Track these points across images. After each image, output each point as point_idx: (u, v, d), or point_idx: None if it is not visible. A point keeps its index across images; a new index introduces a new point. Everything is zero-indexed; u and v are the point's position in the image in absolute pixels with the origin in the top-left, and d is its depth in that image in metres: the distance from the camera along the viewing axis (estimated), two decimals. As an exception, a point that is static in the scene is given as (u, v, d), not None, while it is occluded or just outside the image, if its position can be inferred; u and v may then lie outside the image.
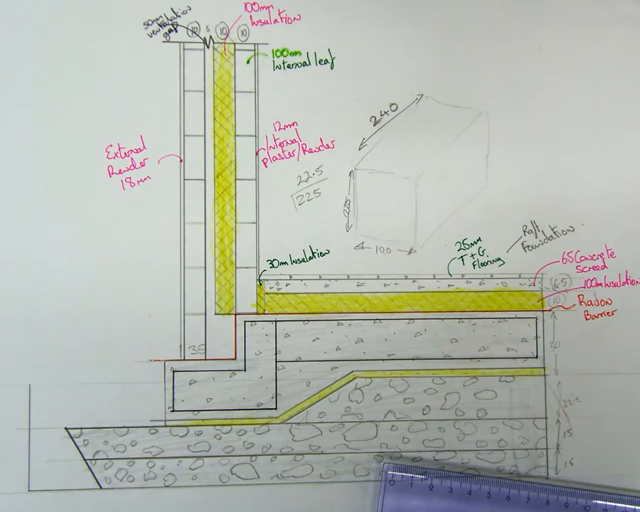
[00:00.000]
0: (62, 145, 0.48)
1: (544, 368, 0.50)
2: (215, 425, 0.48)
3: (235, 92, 0.49)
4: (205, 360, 0.48)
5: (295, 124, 0.49)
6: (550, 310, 0.50)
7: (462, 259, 0.50)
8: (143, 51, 0.48)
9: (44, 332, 0.47)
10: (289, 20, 0.49)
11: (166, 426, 0.48)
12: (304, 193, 0.49)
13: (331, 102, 0.49)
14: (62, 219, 0.47)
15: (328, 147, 0.49)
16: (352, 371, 0.49)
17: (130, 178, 0.48)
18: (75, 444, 0.47)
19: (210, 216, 0.49)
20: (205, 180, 0.49)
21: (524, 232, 0.50)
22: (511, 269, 0.50)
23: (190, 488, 0.48)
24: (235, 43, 0.49)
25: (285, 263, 0.49)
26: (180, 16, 0.49)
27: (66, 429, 0.47)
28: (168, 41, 0.49)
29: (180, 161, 0.48)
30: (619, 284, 0.50)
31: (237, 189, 0.49)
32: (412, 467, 0.48)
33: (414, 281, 0.49)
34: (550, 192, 0.50)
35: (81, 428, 0.47)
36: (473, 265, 0.50)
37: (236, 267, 0.49)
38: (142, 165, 0.48)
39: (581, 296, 0.50)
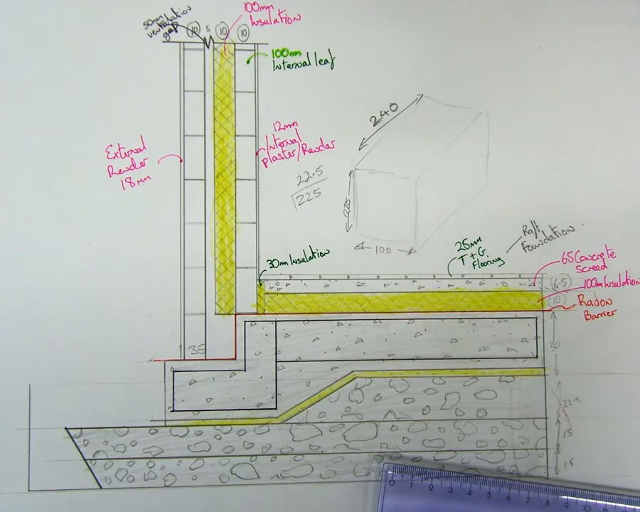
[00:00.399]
0: (62, 145, 0.48)
1: (544, 367, 0.50)
2: (215, 425, 0.48)
3: (235, 92, 0.49)
4: (205, 360, 0.48)
5: (295, 124, 0.49)
6: (550, 310, 0.50)
7: (462, 259, 0.50)
8: (143, 51, 0.48)
9: (44, 332, 0.47)
10: (289, 20, 0.49)
11: (166, 426, 0.48)
12: (304, 193, 0.49)
13: (331, 102, 0.49)
14: (62, 219, 0.47)
15: (328, 147, 0.49)
16: (352, 371, 0.49)
17: (130, 178, 0.48)
18: (75, 444, 0.47)
19: (210, 216, 0.49)
20: (205, 180, 0.49)
21: (524, 232, 0.50)
22: (511, 269, 0.50)
23: (190, 488, 0.48)
24: (235, 43, 0.49)
25: (285, 263, 0.49)
26: (180, 16, 0.49)
27: (66, 429, 0.47)
28: (168, 41, 0.49)
29: (180, 161, 0.48)
30: (619, 284, 0.50)
31: (237, 189, 0.49)
32: (412, 467, 0.48)
33: (414, 281, 0.49)
34: (550, 192, 0.50)
35: (81, 428, 0.47)
36: (473, 265, 0.50)
37: (236, 267, 0.49)
38: (142, 165, 0.48)
39: (581, 296, 0.50)
